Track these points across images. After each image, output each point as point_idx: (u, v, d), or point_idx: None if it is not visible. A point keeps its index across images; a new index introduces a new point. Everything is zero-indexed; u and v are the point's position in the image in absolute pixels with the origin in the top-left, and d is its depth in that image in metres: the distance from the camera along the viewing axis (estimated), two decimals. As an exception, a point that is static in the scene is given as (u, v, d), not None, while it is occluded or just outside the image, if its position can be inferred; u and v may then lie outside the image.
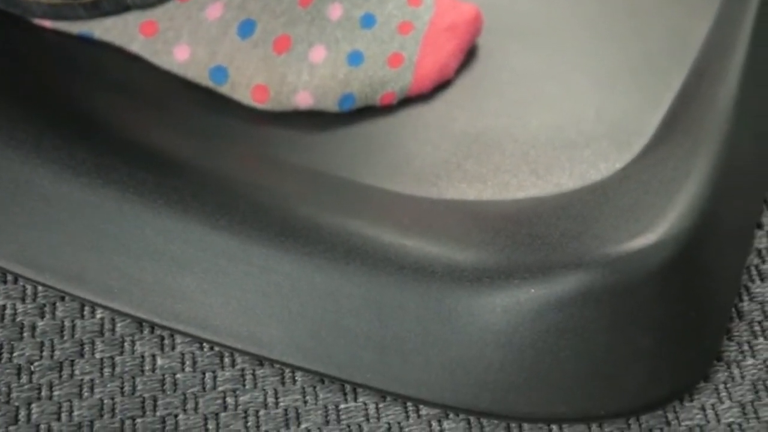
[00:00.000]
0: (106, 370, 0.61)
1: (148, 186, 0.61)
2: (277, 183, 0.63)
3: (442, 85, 0.69)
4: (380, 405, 0.60)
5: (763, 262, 0.65)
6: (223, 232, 0.60)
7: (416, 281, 0.58)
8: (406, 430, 0.59)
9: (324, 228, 0.60)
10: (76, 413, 0.59)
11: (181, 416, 0.59)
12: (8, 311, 0.63)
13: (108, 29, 0.67)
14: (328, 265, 0.59)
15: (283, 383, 0.60)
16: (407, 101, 0.68)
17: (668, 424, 0.59)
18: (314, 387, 0.60)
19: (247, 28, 0.65)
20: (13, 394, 0.60)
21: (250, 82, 0.66)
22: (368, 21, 0.67)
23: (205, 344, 0.61)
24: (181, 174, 0.62)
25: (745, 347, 0.62)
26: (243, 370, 0.61)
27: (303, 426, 0.59)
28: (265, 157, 0.65)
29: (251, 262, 0.59)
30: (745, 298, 0.63)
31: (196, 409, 0.59)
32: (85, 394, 0.60)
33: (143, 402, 0.60)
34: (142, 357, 0.61)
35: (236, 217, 0.60)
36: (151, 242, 0.60)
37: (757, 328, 0.62)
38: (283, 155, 0.65)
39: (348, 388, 0.60)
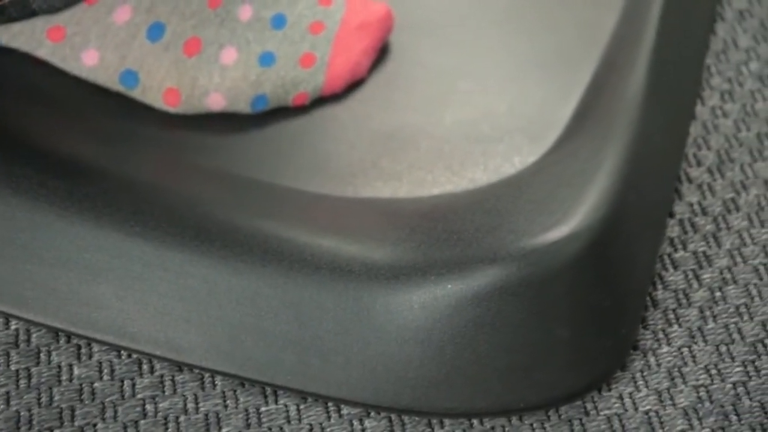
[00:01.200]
0: (22, 382, 0.60)
1: (60, 194, 0.60)
2: (192, 187, 0.63)
3: (355, 84, 0.69)
4: (301, 406, 0.60)
5: (676, 250, 0.65)
6: (137, 238, 0.59)
7: (333, 281, 0.58)
8: (328, 430, 0.59)
9: (240, 231, 0.60)
10: (-8, 426, 0.58)
11: (100, 425, 0.59)
12: None
13: (15, 35, 0.66)
14: (244, 268, 0.58)
15: (203, 388, 0.60)
16: (320, 101, 0.68)
17: (587, 414, 0.60)
18: (234, 391, 0.60)
19: (156, 32, 0.64)
20: (-72, 410, 0.59)
21: (161, 85, 0.65)
22: (279, 21, 0.66)
23: (122, 352, 0.61)
24: (93, 181, 0.61)
25: (660, 335, 0.62)
26: (162, 376, 0.60)
27: (224, 430, 0.59)
28: (178, 161, 0.65)
29: (167, 267, 0.59)
30: (659, 286, 0.64)
31: (115, 417, 0.59)
32: (1, 406, 0.59)
33: (61, 413, 0.59)
34: (59, 367, 0.60)
35: (150, 222, 0.59)
36: (64, 251, 0.59)
37: (671, 316, 0.63)
38: (196, 159, 0.65)
39: (268, 390, 0.60)
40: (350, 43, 0.67)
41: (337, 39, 0.67)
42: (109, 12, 0.64)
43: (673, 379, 0.61)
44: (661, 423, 0.59)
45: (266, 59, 0.66)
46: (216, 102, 0.65)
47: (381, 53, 0.70)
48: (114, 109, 0.66)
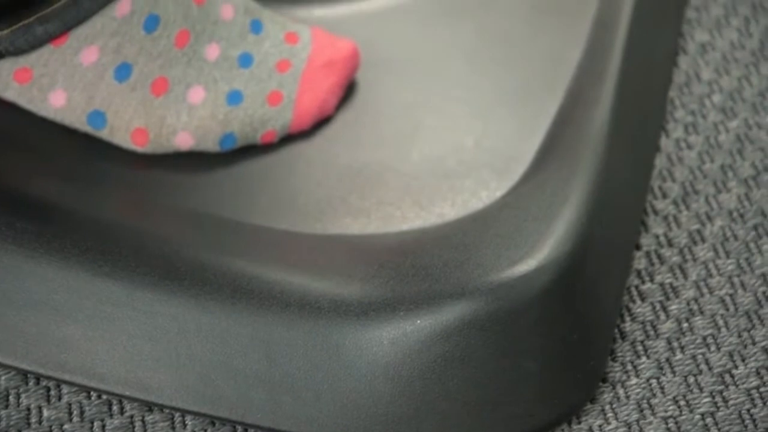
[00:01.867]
0: (-8, 425, 0.60)
1: (28, 235, 0.60)
2: (160, 226, 0.63)
3: (322, 121, 0.69)
4: (272, 444, 0.60)
5: (643, 282, 0.66)
6: (106, 279, 0.59)
7: (303, 318, 0.58)
8: (299, 467, 0.59)
9: (209, 269, 0.60)
10: (-38, 470, 0.58)
11: (70, 467, 0.58)
12: None
13: None
14: (214, 306, 0.58)
15: (173, 428, 0.60)
16: (288, 138, 0.68)
17: (558, 446, 0.60)
18: (205, 430, 0.60)
19: (123, 72, 0.65)
20: None
21: (129, 125, 0.65)
22: (246, 60, 0.67)
23: (92, 393, 0.61)
24: (61, 222, 0.61)
25: (629, 367, 0.63)
26: (132, 417, 0.60)
27: (195, 470, 0.59)
28: (146, 201, 0.65)
29: (136, 307, 0.59)
30: (627, 318, 0.64)
31: (85, 458, 0.59)
32: (-29, 450, 0.59)
33: (31, 455, 0.59)
34: (28, 409, 0.60)
35: (119, 262, 0.59)
36: (33, 292, 0.59)
37: (639, 347, 0.63)
38: (164, 198, 0.65)
39: (239, 429, 0.60)
40: (317, 81, 0.68)
41: (304, 77, 0.67)
42: (75, 53, 0.64)
43: (642, 410, 0.61)
44: (631, 454, 0.60)
45: (234, 98, 0.66)
46: (184, 141, 0.66)
47: (348, 90, 0.70)
48: (81, 149, 0.66)
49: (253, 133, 0.67)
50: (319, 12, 0.73)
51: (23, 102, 0.66)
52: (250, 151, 0.67)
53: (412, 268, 0.60)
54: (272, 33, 0.68)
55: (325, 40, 0.69)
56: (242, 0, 0.68)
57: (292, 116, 0.67)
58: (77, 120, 0.66)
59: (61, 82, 0.65)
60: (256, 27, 0.68)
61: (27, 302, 0.59)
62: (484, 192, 0.66)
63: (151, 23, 0.65)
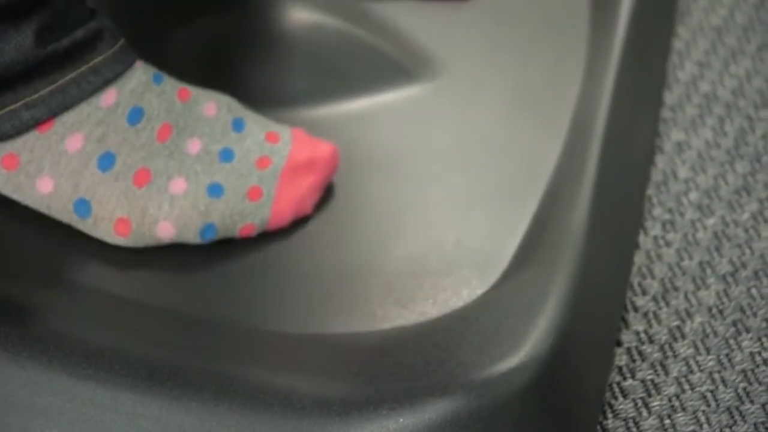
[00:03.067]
0: None
1: (12, 339, 0.60)
2: (142, 327, 0.63)
3: (305, 220, 0.70)
4: None
5: (624, 379, 0.66)
6: (89, 381, 0.59)
7: (286, 418, 0.58)
8: None
9: (191, 370, 0.60)
10: None
11: None
12: None
13: None
14: (197, 408, 0.58)
15: None
16: (271, 237, 0.69)
17: None
18: None
19: (107, 161, 0.66)
20: None
21: (113, 215, 0.66)
22: (227, 155, 0.68)
23: (75, 496, 0.60)
24: (44, 324, 0.62)
25: (612, 463, 0.63)
26: None
27: None
28: (128, 302, 0.65)
29: (119, 409, 0.58)
30: (609, 415, 0.65)
31: None
32: None
33: None
34: None
35: (102, 364, 0.59)
36: (16, 396, 0.59)
37: (621, 443, 0.64)
38: (147, 297, 0.65)
39: None
40: (296, 179, 0.69)
41: (283, 174, 0.68)
42: (61, 140, 0.65)
43: (625, 507, 0.61)
44: None
45: (215, 190, 0.67)
46: (166, 231, 0.66)
47: (329, 190, 0.71)
48: (62, 249, 0.67)
49: (232, 226, 0.67)
50: (303, 113, 0.75)
51: (9, 190, 0.66)
52: (232, 249, 0.68)
53: (395, 367, 0.60)
54: (254, 131, 0.69)
55: (305, 141, 0.70)
56: (226, 99, 0.69)
57: (270, 212, 0.68)
58: (64, 208, 0.66)
59: (48, 169, 0.66)
60: (238, 125, 0.69)
61: (10, 406, 0.59)
62: (464, 290, 0.66)
63: (135, 115, 0.66)
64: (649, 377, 0.66)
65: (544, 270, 0.65)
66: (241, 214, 0.67)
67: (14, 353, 0.60)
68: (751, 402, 0.66)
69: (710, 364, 0.67)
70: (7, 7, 0.63)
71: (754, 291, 0.71)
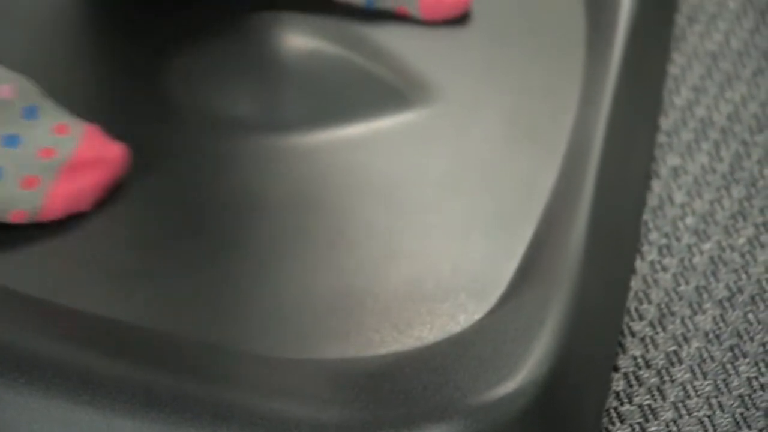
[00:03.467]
0: None
1: (8, 365, 0.60)
2: (140, 352, 0.63)
3: (300, 247, 0.70)
4: None
5: (622, 404, 0.66)
6: (86, 407, 0.59)
7: (283, 444, 0.58)
8: None
9: (189, 395, 0.60)
10: None
11: None
12: None
13: None
14: (194, 434, 0.58)
15: None
16: (265, 262, 0.69)
17: None
18: None
19: None
20: None
21: None
22: (12, 141, 0.69)
23: None
24: (40, 350, 0.62)
25: (610, 489, 0.63)
26: None
27: None
28: (126, 325, 0.65)
29: (116, 435, 0.59)
30: (607, 440, 0.65)
31: None
32: None
33: None
34: None
35: (99, 390, 0.59)
36: (13, 422, 0.59)
37: (619, 469, 0.64)
38: (143, 322, 0.65)
39: None
40: (77, 175, 0.70)
41: (65, 168, 0.70)
42: None
43: None
44: None
45: None
46: None
47: (323, 214, 0.71)
48: (58, 273, 0.67)
49: (3, 211, 0.68)
50: (298, 139, 0.75)
51: None
52: (225, 275, 0.68)
53: (392, 392, 0.60)
54: (44, 122, 0.70)
55: (96, 139, 0.71)
56: (27, 85, 0.71)
57: (42, 203, 0.69)
58: None
59: None
60: (30, 112, 0.70)
61: None
62: (462, 315, 0.66)
63: None
64: (647, 402, 0.66)
65: (541, 295, 0.65)
66: (12, 200, 0.68)
67: (11, 380, 0.60)
68: (749, 427, 0.66)
69: (707, 389, 0.67)
70: None
71: (750, 316, 0.71)
